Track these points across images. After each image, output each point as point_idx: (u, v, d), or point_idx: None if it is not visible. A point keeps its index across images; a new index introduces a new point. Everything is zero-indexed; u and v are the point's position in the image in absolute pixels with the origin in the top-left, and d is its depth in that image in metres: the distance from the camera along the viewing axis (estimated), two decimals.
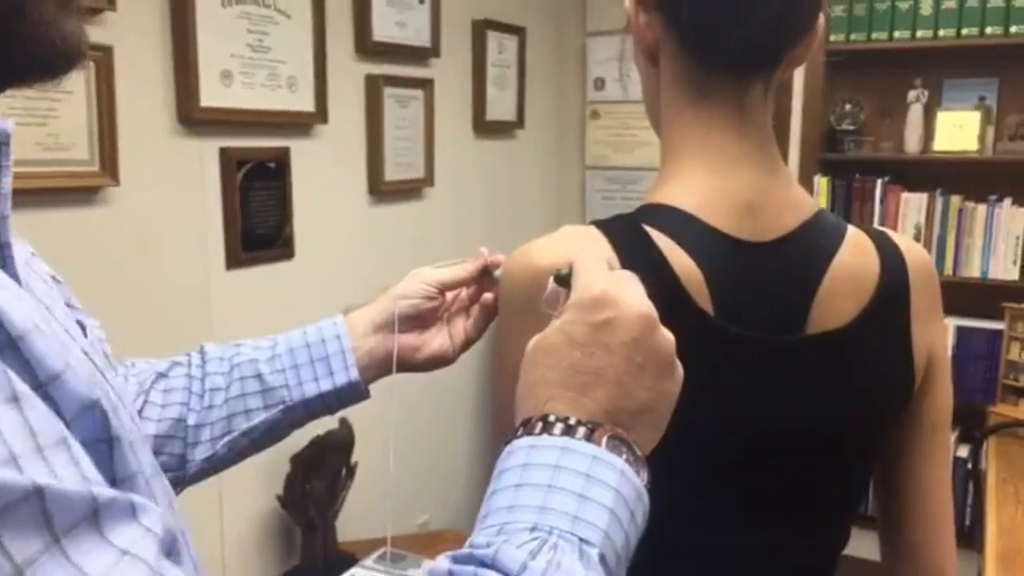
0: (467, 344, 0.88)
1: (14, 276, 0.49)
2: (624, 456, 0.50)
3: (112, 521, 0.37)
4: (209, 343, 0.87)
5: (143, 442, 0.53)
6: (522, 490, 0.48)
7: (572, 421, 0.50)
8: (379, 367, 0.85)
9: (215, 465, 0.83)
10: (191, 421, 0.81)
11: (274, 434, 0.85)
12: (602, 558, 0.47)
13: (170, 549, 0.41)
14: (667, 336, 0.54)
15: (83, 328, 0.61)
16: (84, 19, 0.51)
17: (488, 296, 0.87)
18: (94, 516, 0.36)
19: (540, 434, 0.50)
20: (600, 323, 0.52)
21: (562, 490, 0.48)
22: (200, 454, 0.82)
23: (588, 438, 0.49)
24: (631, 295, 0.53)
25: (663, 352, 0.53)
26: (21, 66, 0.49)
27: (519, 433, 0.51)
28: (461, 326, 0.88)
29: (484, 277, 0.87)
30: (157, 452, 0.80)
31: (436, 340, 0.87)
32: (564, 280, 0.57)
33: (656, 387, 0.53)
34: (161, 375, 0.84)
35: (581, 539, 0.46)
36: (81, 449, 0.38)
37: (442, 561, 0.46)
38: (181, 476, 0.82)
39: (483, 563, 0.45)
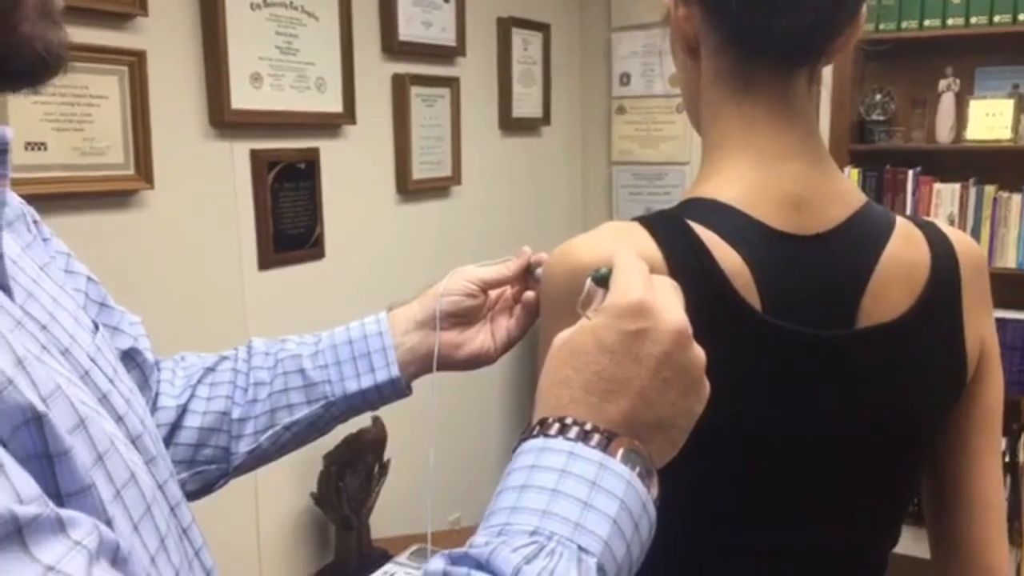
0: (509, 343, 0.88)
1: (4, 286, 0.50)
2: (637, 469, 0.49)
3: (37, 537, 0.37)
4: (257, 339, 0.88)
5: (131, 447, 0.53)
6: (527, 492, 0.48)
7: (589, 427, 0.49)
8: (420, 364, 0.85)
9: (259, 458, 0.84)
10: (235, 415, 0.83)
11: (317, 428, 0.86)
12: (600, 568, 0.46)
13: (114, 558, 0.41)
14: (699, 353, 0.53)
15: (96, 327, 0.62)
16: (63, 24, 0.52)
17: (530, 295, 0.87)
18: (18, 534, 0.36)
19: (556, 436, 0.49)
20: (633, 332, 0.51)
21: (566, 496, 0.47)
22: (244, 447, 0.83)
23: (604, 447, 0.49)
24: (668, 307, 0.52)
25: (692, 369, 0.52)
26: (7, 76, 0.50)
27: (535, 432, 0.51)
28: (504, 325, 0.88)
29: (527, 276, 0.87)
30: (202, 444, 0.82)
31: (478, 338, 0.87)
32: (603, 280, 0.56)
33: (680, 404, 0.52)
34: (209, 369, 0.85)
35: (580, 547, 0.46)
36: (16, 465, 0.38)
37: (438, 561, 0.46)
38: (226, 468, 0.83)
39: (478, 564, 0.45)
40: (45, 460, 0.41)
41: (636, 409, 0.51)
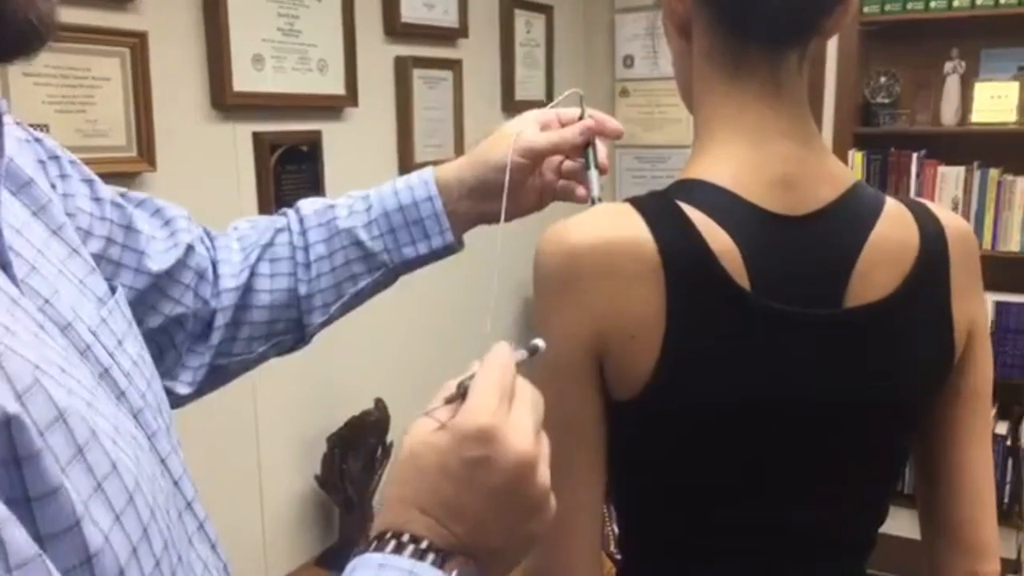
0: (554, 196, 0.91)
1: (3, 262, 0.50)
2: None
3: None
4: (305, 203, 0.90)
5: (129, 420, 0.53)
6: None
7: (424, 546, 0.50)
8: (473, 224, 0.90)
9: (332, 322, 0.90)
10: (302, 291, 0.87)
11: (378, 291, 0.91)
12: None
13: None
14: (542, 480, 0.51)
15: (112, 290, 0.61)
16: None
17: (582, 192, 0.89)
18: None
19: (392, 553, 0.49)
20: (474, 460, 0.50)
21: None
22: (316, 318, 0.88)
23: (440, 565, 0.49)
24: (518, 430, 0.50)
25: (533, 499, 0.51)
26: (2, 47, 0.50)
27: (372, 546, 0.50)
28: (551, 183, 0.91)
29: (583, 151, 0.89)
30: (275, 320, 0.86)
31: (528, 199, 0.90)
32: (465, 390, 0.53)
33: (518, 530, 0.52)
34: (267, 246, 0.88)
35: None
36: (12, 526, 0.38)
37: None
38: (301, 335, 0.89)
39: None
40: (13, 465, 0.40)
41: (473, 535, 0.51)
